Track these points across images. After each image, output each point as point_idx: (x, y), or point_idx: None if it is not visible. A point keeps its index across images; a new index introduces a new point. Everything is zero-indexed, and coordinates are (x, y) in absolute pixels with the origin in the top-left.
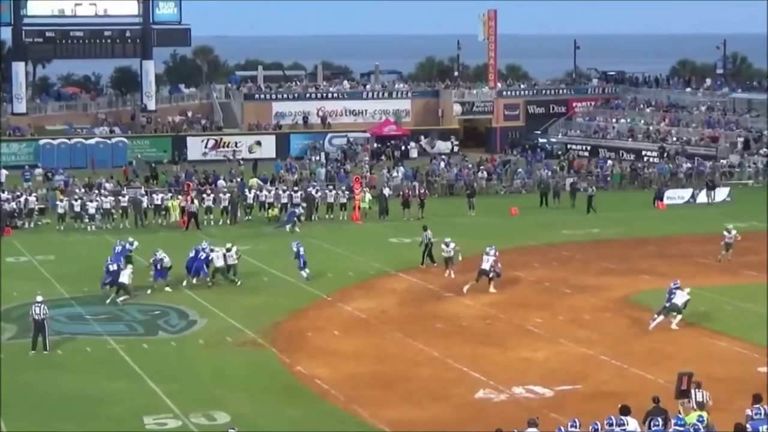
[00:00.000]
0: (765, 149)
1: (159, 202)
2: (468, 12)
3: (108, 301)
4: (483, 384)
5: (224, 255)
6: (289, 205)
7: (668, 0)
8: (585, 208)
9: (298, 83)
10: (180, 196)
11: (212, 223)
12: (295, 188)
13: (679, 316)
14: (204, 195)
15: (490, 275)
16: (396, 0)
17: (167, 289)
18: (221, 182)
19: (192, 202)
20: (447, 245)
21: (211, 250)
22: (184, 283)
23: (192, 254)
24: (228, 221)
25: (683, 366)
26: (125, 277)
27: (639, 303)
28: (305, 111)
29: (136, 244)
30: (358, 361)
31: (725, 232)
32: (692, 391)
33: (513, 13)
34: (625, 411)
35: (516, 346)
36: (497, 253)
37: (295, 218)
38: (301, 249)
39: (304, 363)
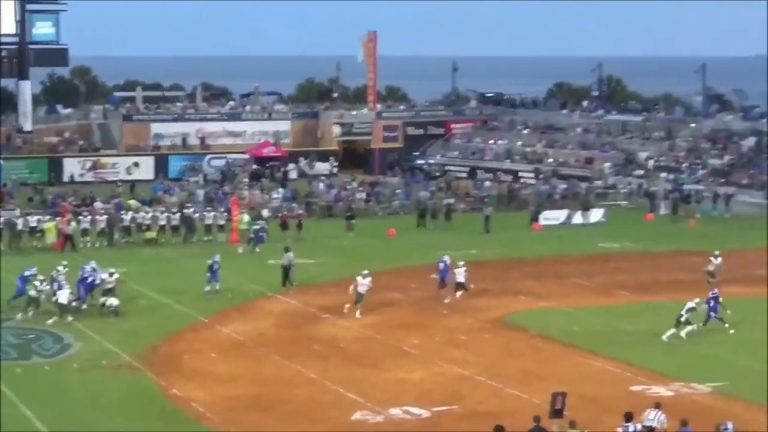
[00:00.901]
0: (639, 170)
1: (35, 224)
2: (348, 33)
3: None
4: (360, 406)
5: (105, 279)
6: (167, 227)
7: (546, 22)
8: (482, 227)
9: (177, 104)
10: (57, 218)
11: (89, 245)
12: (174, 210)
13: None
14: (81, 217)
15: (462, 287)
16: (276, 21)
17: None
18: (98, 204)
19: (68, 223)
20: (364, 277)
21: (93, 270)
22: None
23: (80, 276)
24: (105, 243)
25: (557, 386)
26: (63, 298)
27: (515, 324)
28: (184, 132)
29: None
30: (235, 384)
31: (711, 258)
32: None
33: (393, 34)
34: (499, 431)
35: (393, 367)
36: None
37: (262, 236)
38: (216, 265)
39: (179, 386)
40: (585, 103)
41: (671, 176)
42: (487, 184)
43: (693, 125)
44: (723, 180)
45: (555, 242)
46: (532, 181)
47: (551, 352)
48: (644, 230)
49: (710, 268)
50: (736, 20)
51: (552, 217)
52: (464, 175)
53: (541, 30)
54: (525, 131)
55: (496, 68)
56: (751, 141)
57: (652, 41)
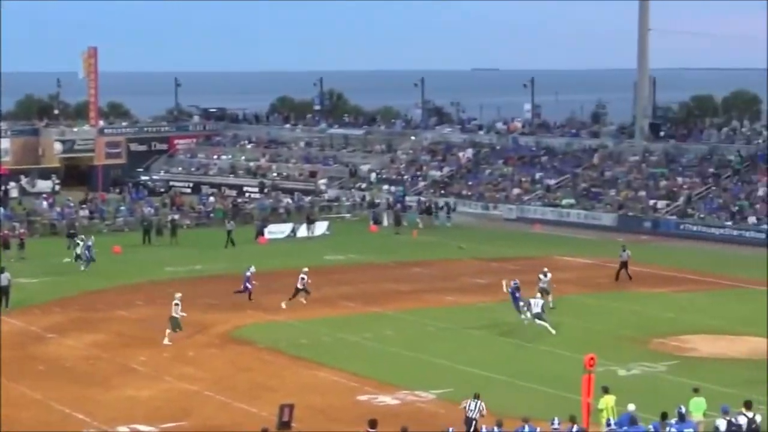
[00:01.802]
0: (362, 183)
1: None
2: (68, 49)
3: None
4: (87, 425)
5: None
6: None
7: (268, 37)
8: (225, 242)
9: None
10: None
11: None
12: None
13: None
14: None
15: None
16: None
17: None
18: None
19: None
20: (177, 304)
21: None
22: None
23: None
24: None
25: (285, 398)
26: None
27: (243, 338)
28: None
29: None
30: None
31: (541, 276)
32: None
33: (114, 50)
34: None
35: (120, 385)
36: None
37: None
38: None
39: None
40: (308, 117)
41: (393, 188)
42: (211, 199)
43: (413, 138)
44: (443, 191)
45: (281, 256)
46: (257, 196)
47: (279, 364)
48: (368, 242)
49: (542, 285)
50: (454, 34)
51: (277, 230)
52: (188, 190)
53: (263, 45)
54: (249, 146)
55: (218, 84)
56: (469, 153)
57: (373, 56)
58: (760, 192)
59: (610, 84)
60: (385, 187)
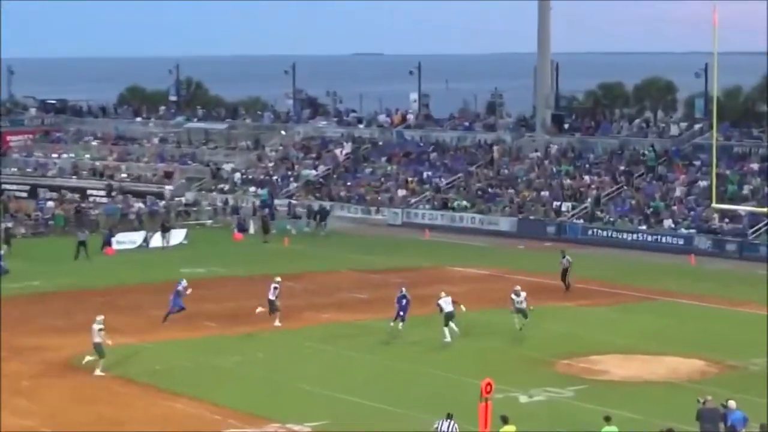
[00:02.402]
0: (224, 185)
1: None
2: None
3: None
4: None
5: None
6: None
7: (115, 18)
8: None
9: None
10: None
11: None
12: None
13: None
14: None
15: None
16: None
17: None
18: None
19: None
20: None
21: None
22: None
23: None
24: None
25: None
26: None
27: (86, 364)
28: None
29: None
30: None
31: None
32: None
33: None
34: None
35: None
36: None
37: None
38: None
39: None
40: (162, 110)
41: (260, 190)
42: (51, 204)
43: (283, 132)
44: (318, 193)
45: (131, 269)
46: (104, 200)
47: (129, 395)
48: (232, 252)
49: (518, 306)
50: (332, 14)
51: (127, 240)
52: (24, 194)
53: (110, 26)
54: (94, 142)
55: (58, 72)
56: (347, 149)
57: (237, 39)
58: (678, 192)
59: (508, 70)
60: (252, 189)
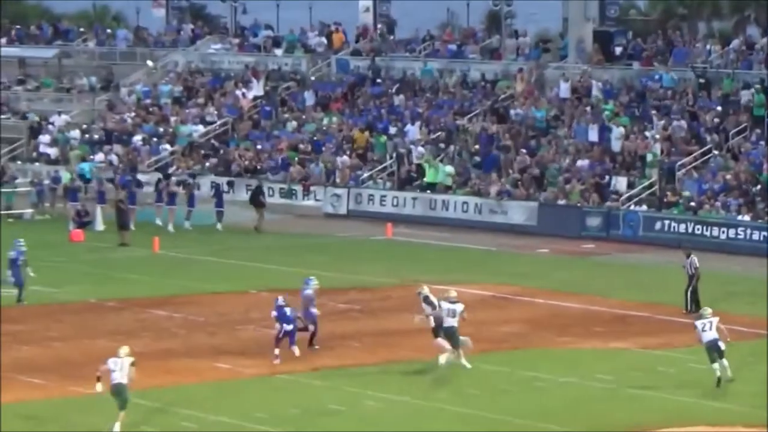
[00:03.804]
0: (53, 150)
1: None
2: None
3: None
4: None
5: None
6: None
7: None
8: None
9: None
10: None
11: None
12: None
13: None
14: None
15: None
16: None
17: None
18: None
19: None
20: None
21: None
22: None
23: None
24: None
25: None
26: None
27: None
28: None
29: None
30: None
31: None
32: None
33: None
34: None
35: None
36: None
37: None
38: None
39: None
40: None
41: (113, 157)
42: None
43: (150, 63)
44: (207, 162)
45: None
46: None
47: None
48: (62, 268)
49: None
50: None
51: None
52: None
53: None
54: None
55: None
56: (257, 89)
57: None
58: None
59: None
60: (98, 156)
